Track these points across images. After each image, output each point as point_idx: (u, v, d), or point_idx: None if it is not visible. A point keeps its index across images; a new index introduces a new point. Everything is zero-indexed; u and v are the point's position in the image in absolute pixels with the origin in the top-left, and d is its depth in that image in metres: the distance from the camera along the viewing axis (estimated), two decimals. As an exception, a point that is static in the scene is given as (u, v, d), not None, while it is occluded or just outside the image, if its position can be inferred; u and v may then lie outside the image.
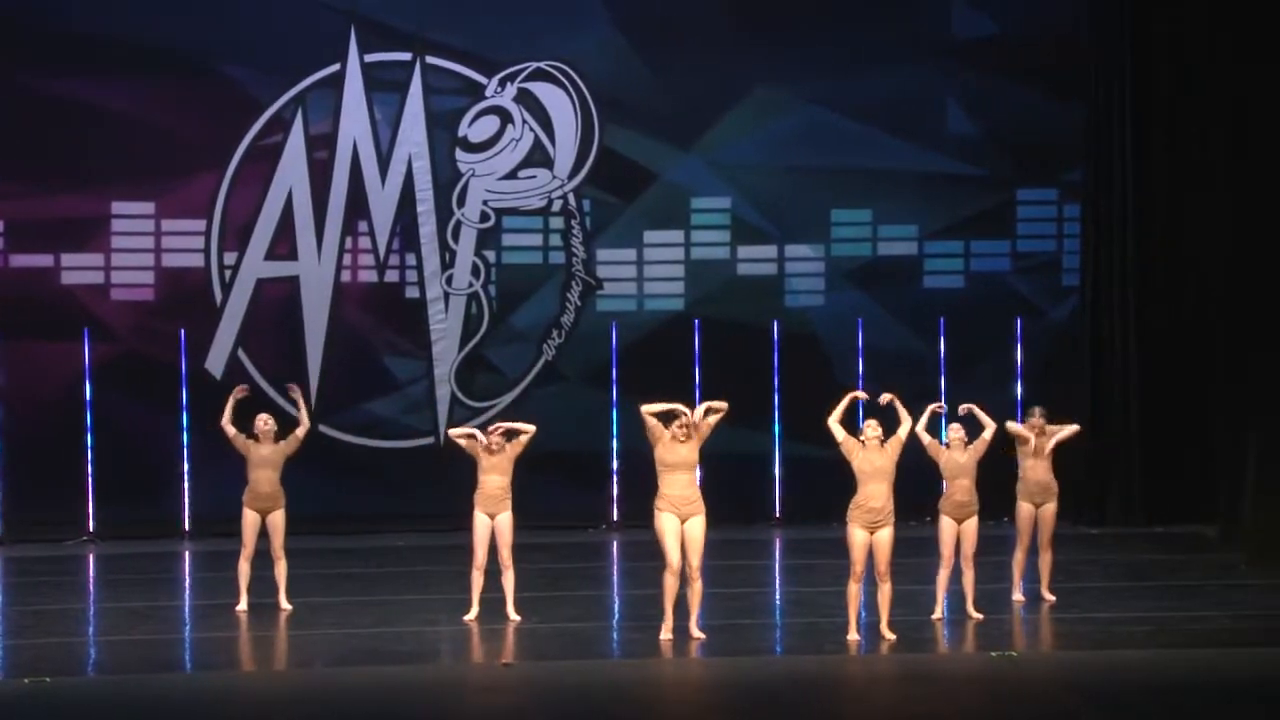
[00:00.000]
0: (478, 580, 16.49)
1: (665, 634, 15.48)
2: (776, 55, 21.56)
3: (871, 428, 15.66)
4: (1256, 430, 19.01)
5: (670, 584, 15.52)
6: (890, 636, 15.48)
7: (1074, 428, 17.17)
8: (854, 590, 15.53)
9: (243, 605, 16.92)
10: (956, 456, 16.34)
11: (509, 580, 16.56)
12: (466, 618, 16.40)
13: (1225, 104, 19.94)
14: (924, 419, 16.05)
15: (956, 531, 16.31)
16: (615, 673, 15.06)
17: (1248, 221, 19.51)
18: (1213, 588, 17.68)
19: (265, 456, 17.08)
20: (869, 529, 15.44)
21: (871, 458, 15.49)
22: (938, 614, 16.19)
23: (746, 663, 15.16)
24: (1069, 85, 21.65)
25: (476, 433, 16.86)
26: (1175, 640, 15.58)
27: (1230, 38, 19.75)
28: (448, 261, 21.66)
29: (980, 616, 16.18)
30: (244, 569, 17.00)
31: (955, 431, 16.50)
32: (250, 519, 17.06)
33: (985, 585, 16.56)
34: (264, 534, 17.07)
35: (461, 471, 21.29)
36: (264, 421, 17.12)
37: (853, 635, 15.49)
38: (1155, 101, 21.19)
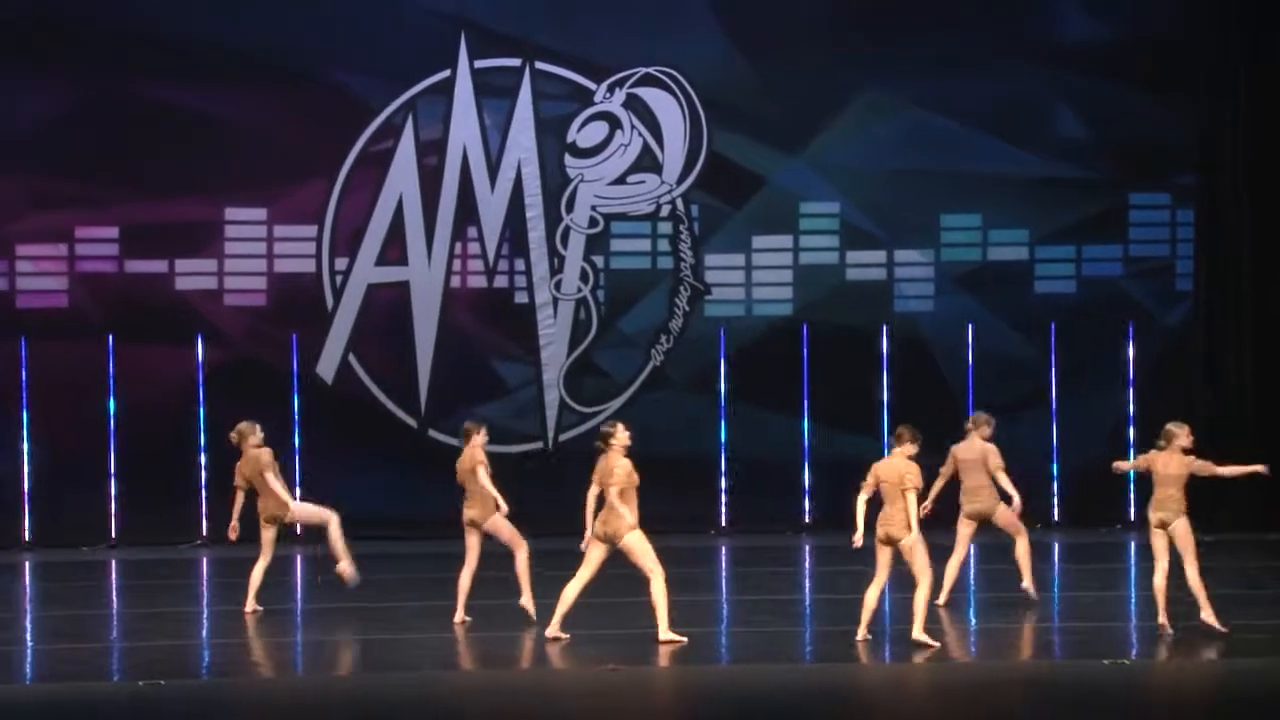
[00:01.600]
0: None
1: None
2: (883, 59, 21.44)
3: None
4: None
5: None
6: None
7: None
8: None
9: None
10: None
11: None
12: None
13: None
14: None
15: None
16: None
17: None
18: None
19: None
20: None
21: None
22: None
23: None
24: (1180, 88, 21.47)
25: None
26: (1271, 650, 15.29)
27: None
28: (556, 267, 21.64)
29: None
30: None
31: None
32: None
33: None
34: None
35: (572, 476, 21.30)
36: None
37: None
38: (1269, 103, 20.91)
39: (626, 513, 15.32)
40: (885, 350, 21.61)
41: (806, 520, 21.60)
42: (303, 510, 17.02)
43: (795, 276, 21.75)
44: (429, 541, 20.42)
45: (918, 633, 15.13)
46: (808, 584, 19.57)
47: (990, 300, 21.72)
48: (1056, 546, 20.51)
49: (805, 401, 21.60)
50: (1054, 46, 21.53)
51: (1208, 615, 15.35)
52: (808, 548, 20.70)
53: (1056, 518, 21.34)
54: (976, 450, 16.52)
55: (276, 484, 16.75)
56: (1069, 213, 21.62)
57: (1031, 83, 21.51)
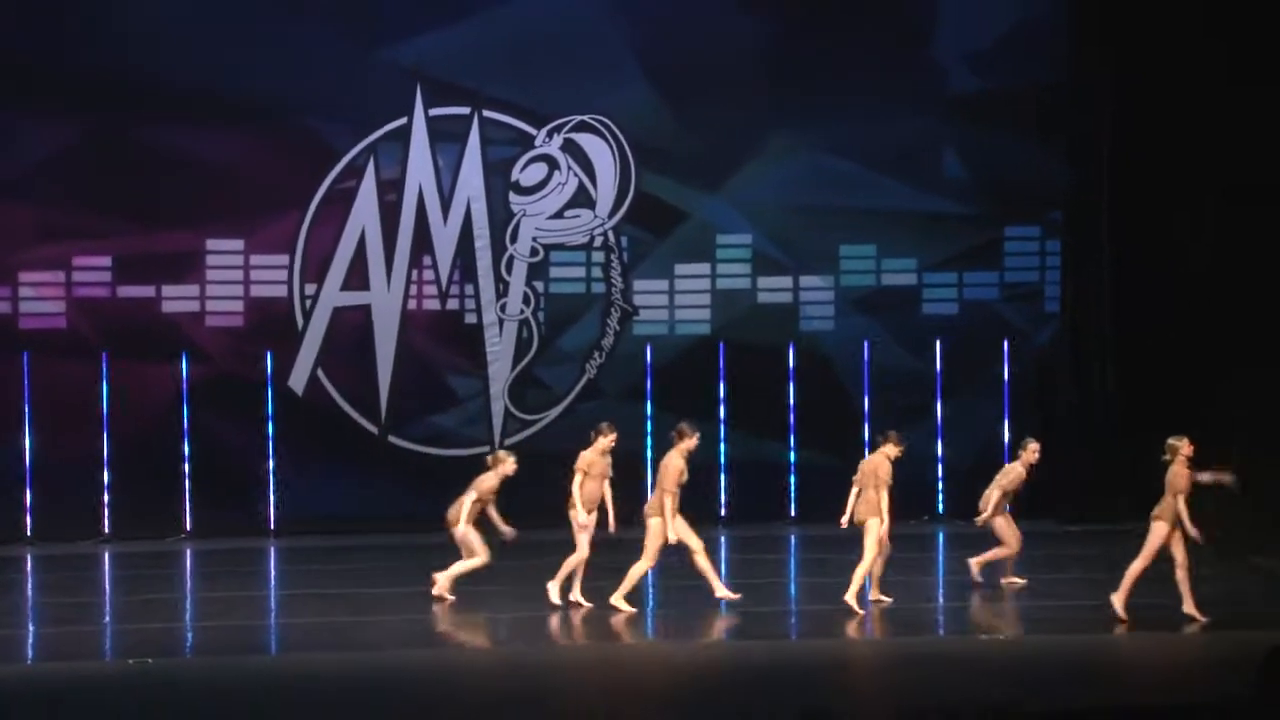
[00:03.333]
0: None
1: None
2: (792, 109, 21.58)
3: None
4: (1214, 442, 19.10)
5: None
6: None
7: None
8: None
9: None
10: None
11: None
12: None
13: (1192, 145, 19.98)
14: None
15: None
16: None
17: (1215, 253, 19.57)
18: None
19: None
20: None
21: None
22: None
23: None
24: (1049, 134, 21.65)
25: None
26: (1134, 623, 15.63)
27: (1196, 85, 19.76)
28: (502, 291, 21.73)
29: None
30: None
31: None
32: None
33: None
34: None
35: (516, 475, 21.52)
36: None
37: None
38: (1125, 147, 21.18)
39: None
40: (792, 365, 21.84)
41: (722, 515, 21.78)
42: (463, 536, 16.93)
43: (712, 300, 21.91)
44: (387, 535, 20.64)
45: (848, 597, 15.78)
46: (723, 571, 19.80)
47: (883, 320, 21.95)
48: (940, 535, 20.78)
49: (721, 410, 21.82)
50: (941, 98, 21.75)
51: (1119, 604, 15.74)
52: (723, 539, 20.88)
53: (941, 509, 21.62)
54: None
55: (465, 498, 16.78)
56: (952, 243, 21.90)
57: (921, 129, 21.71)
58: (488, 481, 16.85)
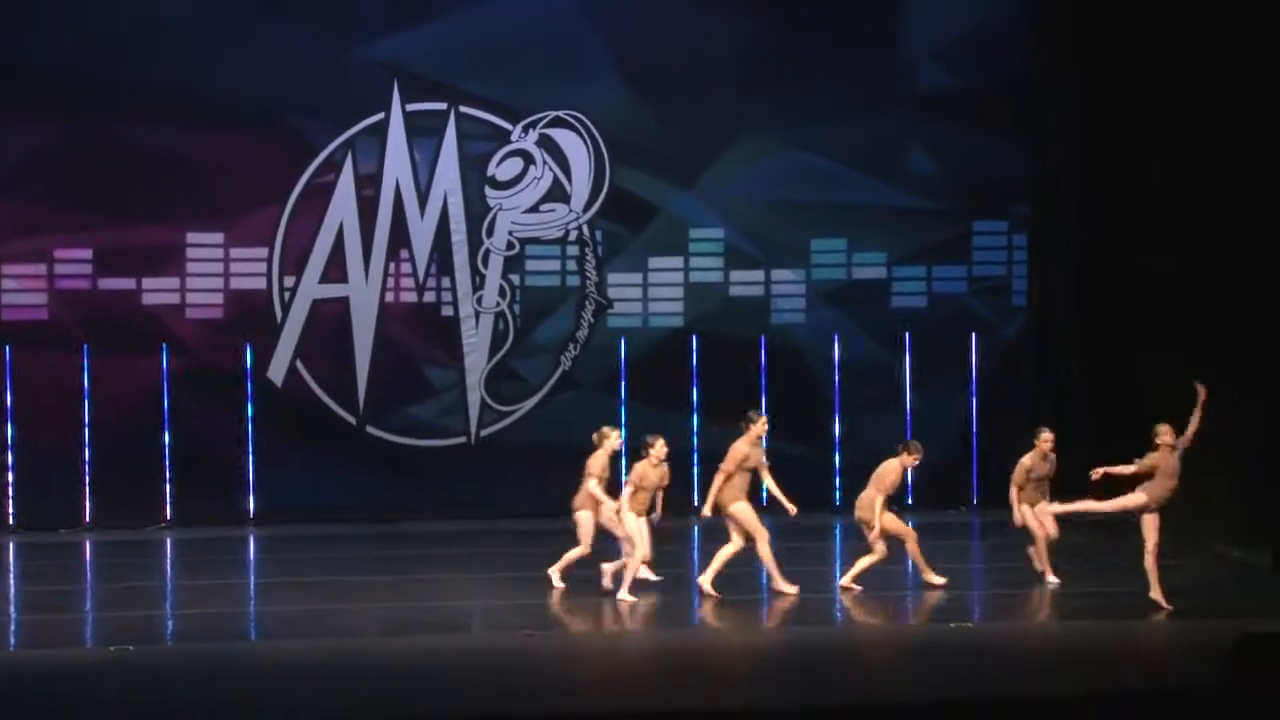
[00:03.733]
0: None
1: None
2: (764, 105, 21.61)
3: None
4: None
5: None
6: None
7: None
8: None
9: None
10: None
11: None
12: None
13: (1155, 141, 20.01)
14: None
15: None
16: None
17: (1177, 246, 19.61)
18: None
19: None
20: None
21: None
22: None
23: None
24: (1016, 130, 21.72)
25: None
26: (1103, 613, 15.66)
27: (1160, 83, 19.79)
28: (478, 284, 21.72)
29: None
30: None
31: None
32: None
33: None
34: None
35: (492, 465, 21.53)
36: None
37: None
38: (1089, 142, 21.23)
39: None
40: (764, 357, 21.84)
41: (695, 504, 21.75)
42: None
43: (685, 293, 21.91)
44: (365, 524, 20.64)
45: (845, 581, 16.43)
46: (695, 560, 19.81)
47: (854, 314, 21.97)
48: (911, 524, 20.74)
49: (694, 401, 21.82)
50: (910, 95, 21.77)
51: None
52: (696, 530, 20.87)
53: (910, 501, 21.62)
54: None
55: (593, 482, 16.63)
56: (921, 238, 21.92)
57: (891, 126, 21.72)
58: (599, 460, 16.63)
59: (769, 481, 16.67)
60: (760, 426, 16.69)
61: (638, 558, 16.36)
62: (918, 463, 16.77)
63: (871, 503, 16.53)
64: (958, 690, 12.92)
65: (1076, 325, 21.55)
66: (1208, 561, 17.86)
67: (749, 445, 16.62)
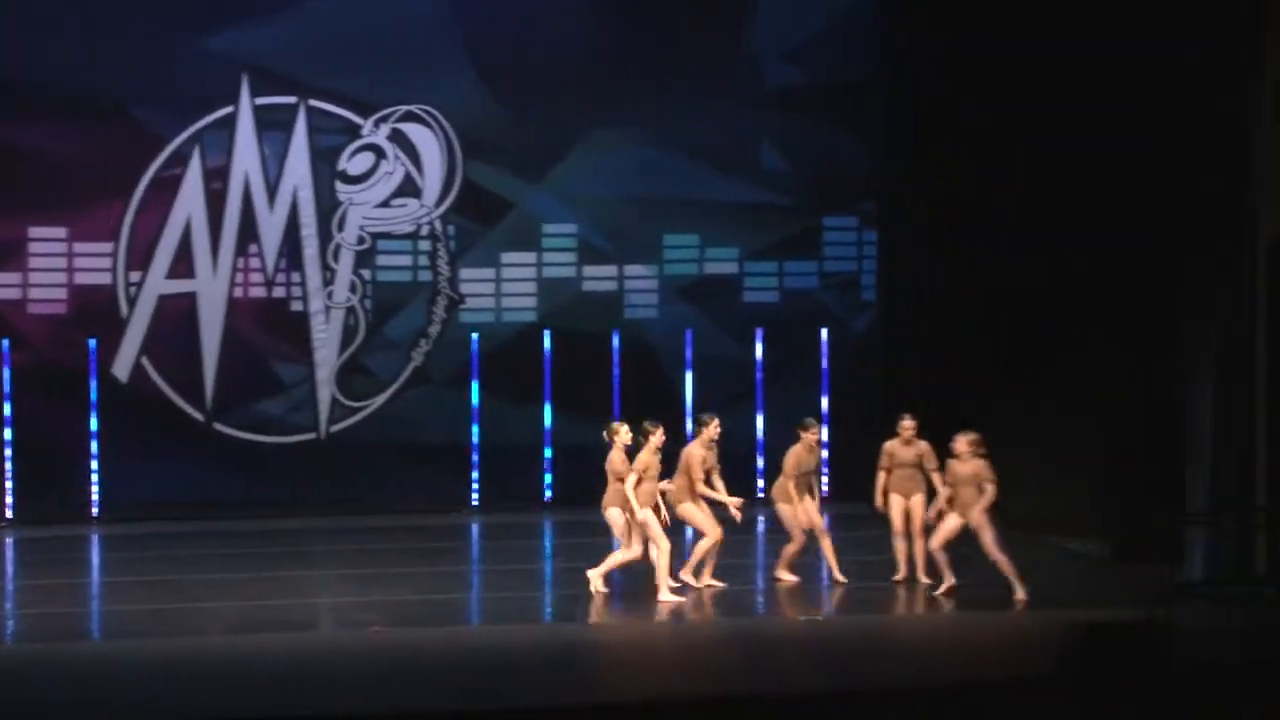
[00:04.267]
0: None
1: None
2: (616, 101, 21.60)
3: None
4: (1022, 426, 19.42)
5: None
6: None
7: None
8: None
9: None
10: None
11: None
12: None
13: (992, 139, 20.22)
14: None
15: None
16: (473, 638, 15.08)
17: (1013, 242, 19.83)
18: (985, 560, 17.85)
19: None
20: None
21: None
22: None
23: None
24: (865, 126, 21.84)
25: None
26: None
27: (996, 80, 19.99)
28: (329, 279, 21.53)
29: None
30: None
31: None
32: None
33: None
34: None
35: (340, 463, 21.35)
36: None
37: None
38: (935, 138, 21.40)
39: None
40: (616, 352, 21.84)
41: (548, 499, 21.73)
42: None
43: (538, 288, 21.82)
44: (213, 521, 20.37)
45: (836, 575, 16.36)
46: (549, 555, 19.79)
47: (706, 309, 21.98)
48: (759, 520, 20.83)
49: (547, 396, 21.77)
50: (760, 91, 21.83)
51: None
52: (549, 524, 20.87)
53: (761, 494, 21.66)
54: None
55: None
56: (772, 233, 21.98)
57: (742, 123, 21.77)
58: (622, 459, 16.27)
59: (718, 483, 16.52)
60: (713, 429, 16.54)
61: (664, 554, 15.98)
62: (816, 438, 16.74)
63: (783, 489, 16.50)
64: (795, 684, 12.98)
65: (924, 320, 21.67)
66: (1051, 554, 18.05)
67: (704, 448, 16.49)
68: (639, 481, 15.96)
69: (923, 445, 16.69)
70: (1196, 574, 15.74)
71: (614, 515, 16.12)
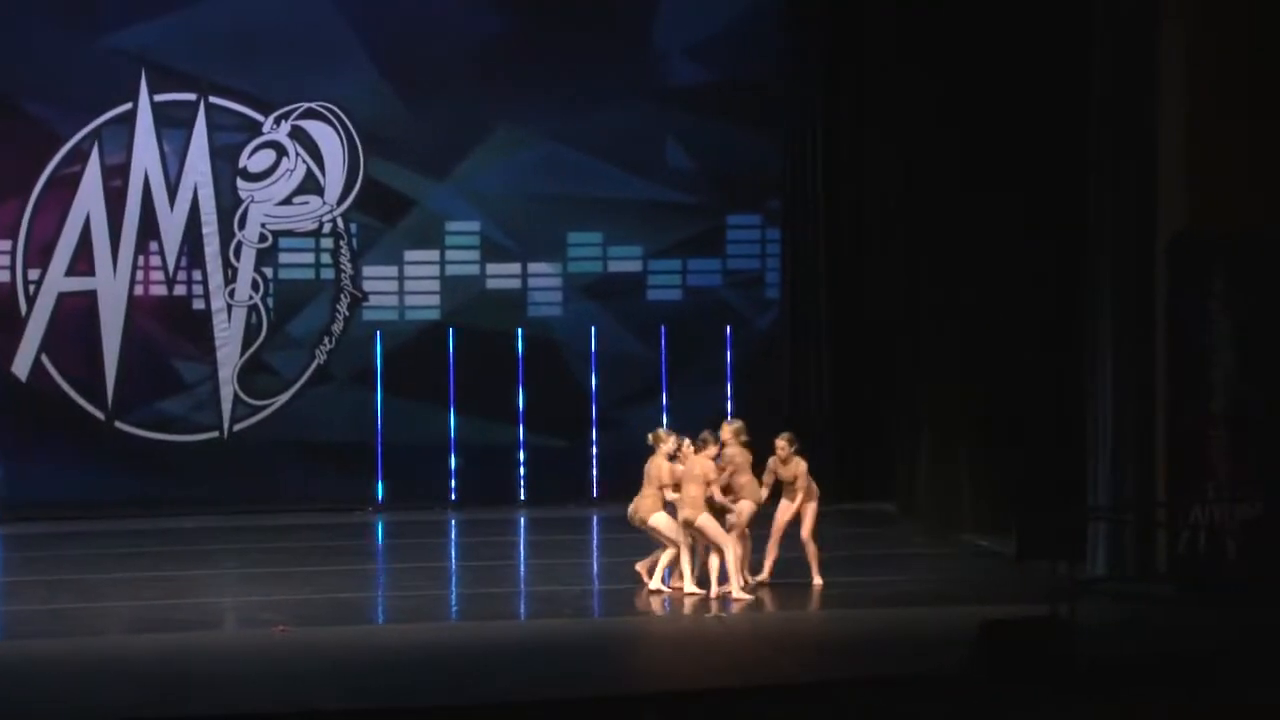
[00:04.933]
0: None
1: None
2: (518, 97, 21.51)
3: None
4: (928, 423, 19.50)
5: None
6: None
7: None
8: None
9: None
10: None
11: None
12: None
13: (897, 138, 20.31)
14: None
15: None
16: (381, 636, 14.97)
17: (919, 240, 19.92)
18: (893, 557, 17.96)
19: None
20: None
21: None
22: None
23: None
24: (768, 124, 21.87)
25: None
26: (856, 601, 15.83)
27: (903, 77, 20.06)
28: (230, 277, 21.35)
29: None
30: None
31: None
32: None
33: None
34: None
35: (243, 461, 21.16)
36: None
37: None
38: (838, 137, 21.49)
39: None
40: (520, 350, 21.73)
41: (453, 498, 21.63)
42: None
43: (442, 286, 21.70)
44: (114, 521, 20.14)
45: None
46: (454, 553, 19.70)
47: (610, 307, 21.92)
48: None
49: (451, 394, 21.67)
50: (664, 89, 21.80)
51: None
52: (453, 522, 20.77)
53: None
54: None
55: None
56: (676, 231, 21.94)
57: (646, 120, 21.71)
58: (664, 466, 15.80)
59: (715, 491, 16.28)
60: (715, 445, 15.95)
61: (731, 556, 15.65)
62: (675, 449, 16.30)
63: (694, 501, 15.94)
64: (704, 681, 12.95)
65: (827, 318, 21.73)
66: (955, 550, 18.13)
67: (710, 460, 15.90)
68: (677, 488, 15.64)
69: (799, 465, 16.39)
70: (1099, 570, 15.83)
71: (659, 520, 15.80)
